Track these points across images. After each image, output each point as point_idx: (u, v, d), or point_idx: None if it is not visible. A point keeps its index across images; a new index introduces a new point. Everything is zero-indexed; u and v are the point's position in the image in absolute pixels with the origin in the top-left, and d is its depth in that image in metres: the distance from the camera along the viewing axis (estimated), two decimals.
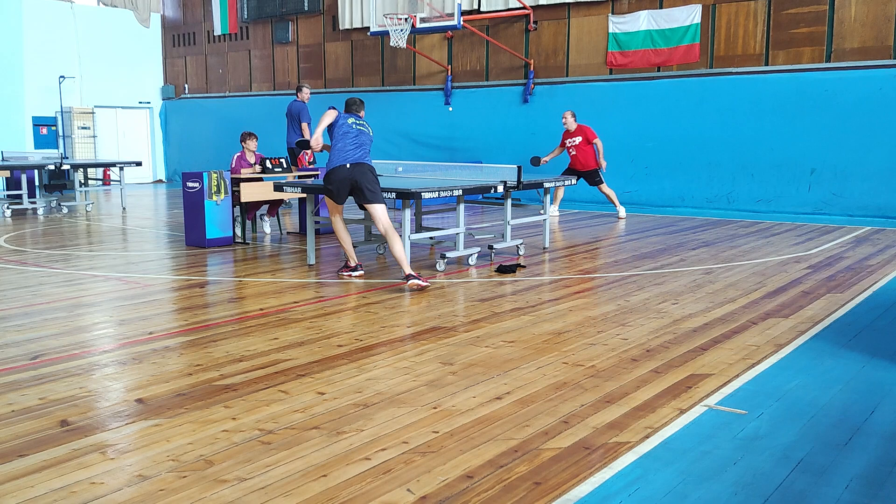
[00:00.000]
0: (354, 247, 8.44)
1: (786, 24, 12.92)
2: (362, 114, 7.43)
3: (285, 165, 10.12)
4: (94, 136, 20.74)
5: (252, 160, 10.06)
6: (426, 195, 6.88)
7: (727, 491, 2.85)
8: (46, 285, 6.87)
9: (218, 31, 21.08)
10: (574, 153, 12.15)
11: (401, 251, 6.66)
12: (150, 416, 3.62)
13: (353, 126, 7.07)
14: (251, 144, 10.07)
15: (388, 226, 6.78)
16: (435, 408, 3.72)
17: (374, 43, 17.78)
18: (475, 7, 15.90)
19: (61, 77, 19.78)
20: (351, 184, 6.83)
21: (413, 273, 6.59)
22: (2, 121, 19.11)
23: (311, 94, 12.72)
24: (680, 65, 13.97)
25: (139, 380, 4.18)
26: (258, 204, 9.86)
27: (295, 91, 12.50)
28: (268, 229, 10.51)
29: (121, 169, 14.38)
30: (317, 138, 7.11)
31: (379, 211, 6.81)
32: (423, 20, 14.53)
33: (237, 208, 9.58)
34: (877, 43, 12.18)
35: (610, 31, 14.58)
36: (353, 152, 6.88)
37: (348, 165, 6.81)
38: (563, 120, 12.21)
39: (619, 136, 14.52)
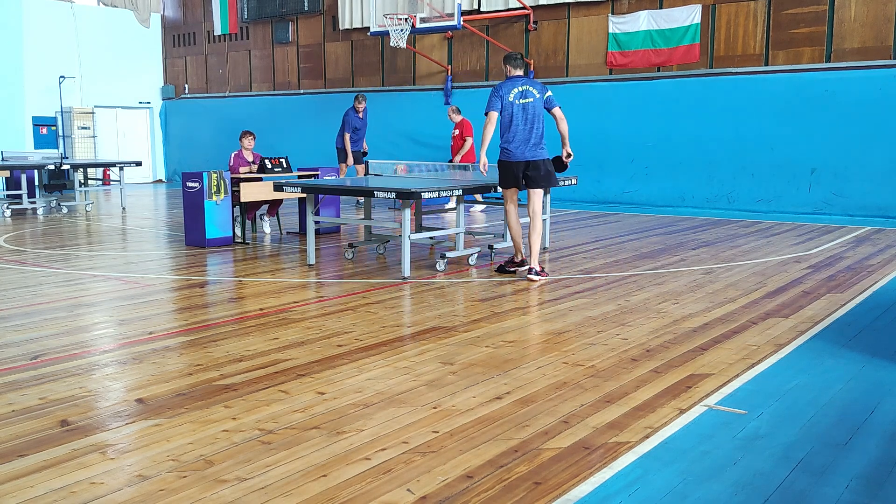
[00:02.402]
0: (353, 246, 8.47)
1: (786, 24, 12.92)
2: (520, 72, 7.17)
3: (285, 165, 10.13)
4: (94, 136, 20.74)
5: (250, 158, 10.10)
6: (426, 195, 6.88)
7: (727, 491, 2.85)
8: (46, 285, 6.87)
9: (218, 31, 21.08)
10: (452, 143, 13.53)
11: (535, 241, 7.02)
12: (150, 416, 3.62)
13: (518, 101, 7.01)
14: (247, 143, 10.11)
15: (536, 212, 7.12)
16: (435, 408, 3.72)
17: (374, 43, 17.78)
18: (475, 7, 15.89)
19: (61, 77, 19.78)
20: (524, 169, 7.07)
21: (536, 267, 6.94)
22: (2, 121, 19.11)
23: (319, 94, 13.25)
24: (680, 65, 13.97)
25: (139, 380, 4.18)
26: (258, 204, 9.86)
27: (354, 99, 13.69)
28: (268, 229, 10.51)
29: (121, 169, 14.38)
30: (483, 161, 7.24)
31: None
32: (423, 20, 14.53)
33: (237, 208, 9.58)
34: (877, 43, 12.18)
35: (610, 31, 14.58)
36: (524, 143, 7.03)
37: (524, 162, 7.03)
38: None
39: (619, 136, 14.53)
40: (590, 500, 2.79)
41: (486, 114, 6.98)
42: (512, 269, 7.33)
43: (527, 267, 7.11)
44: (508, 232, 7.40)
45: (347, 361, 4.50)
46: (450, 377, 4.20)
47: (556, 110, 7.09)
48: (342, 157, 13.54)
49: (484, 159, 7.17)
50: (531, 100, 6.96)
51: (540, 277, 6.94)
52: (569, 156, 7.36)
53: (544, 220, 9.02)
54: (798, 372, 4.32)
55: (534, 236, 7.00)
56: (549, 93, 7.10)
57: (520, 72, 7.11)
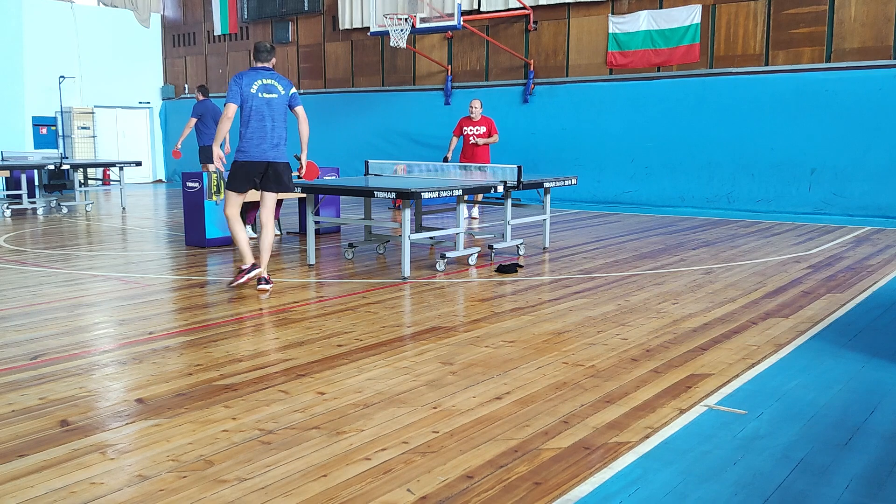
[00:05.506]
0: (353, 246, 8.47)
1: (786, 24, 12.93)
2: (273, 61, 6.59)
3: None
4: (94, 136, 20.74)
5: None
6: (426, 195, 6.88)
7: (727, 491, 2.85)
8: (46, 285, 6.87)
9: (218, 31, 21.08)
10: (474, 142, 11.75)
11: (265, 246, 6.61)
12: (150, 416, 3.62)
13: (261, 95, 6.36)
14: None
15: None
16: (435, 408, 3.72)
17: (374, 43, 17.79)
18: (475, 7, 15.90)
19: (61, 77, 19.78)
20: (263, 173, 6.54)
21: (265, 275, 6.51)
22: (2, 121, 19.12)
23: (319, 94, 12.88)
24: (680, 65, 13.97)
25: (139, 380, 4.18)
26: (258, 205, 9.83)
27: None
28: (275, 230, 10.38)
29: (120, 169, 14.38)
30: (217, 154, 6.57)
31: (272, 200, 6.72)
32: (423, 20, 14.53)
33: None
34: (877, 43, 12.18)
35: (610, 31, 14.58)
36: (264, 141, 6.42)
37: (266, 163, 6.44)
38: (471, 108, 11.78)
39: (618, 136, 14.53)
40: (590, 500, 2.79)
41: (225, 105, 6.33)
42: (243, 280, 6.54)
43: (258, 271, 6.53)
44: (237, 241, 6.59)
45: (347, 361, 4.50)
46: (450, 377, 4.20)
47: (300, 109, 6.58)
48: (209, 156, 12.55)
49: (218, 152, 6.55)
50: (275, 95, 6.41)
51: (269, 286, 6.48)
52: (300, 167, 6.96)
53: (544, 220, 9.03)
54: (798, 372, 4.32)
55: (266, 243, 6.57)
56: (294, 90, 6.59)
57: (267, 64, 6.53)
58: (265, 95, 6.38)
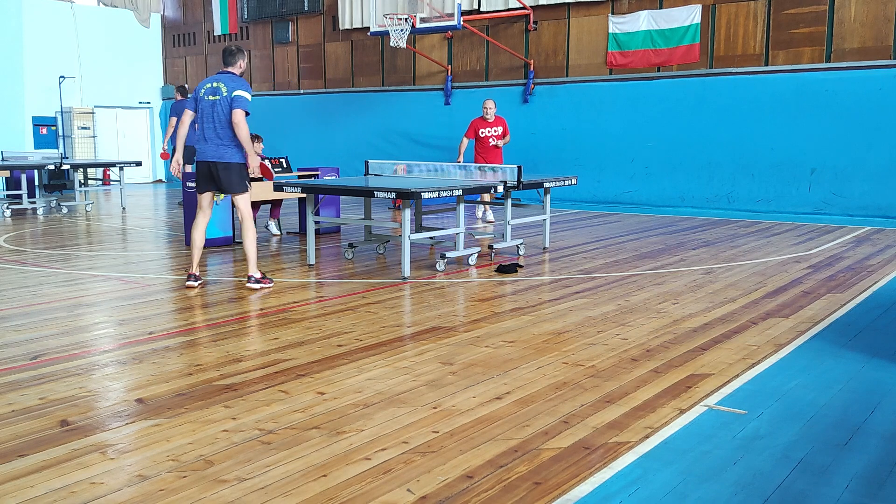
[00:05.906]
0: (353, 246, 8.47)
1: (786, 24, 12.92)
2: (239, 65, 6.85)
3: (285, 165, 10.14)
4: (94, 136, 20.74)
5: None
6: (426, 195, 6.88)
7: (727, 491, 2.85)
8: (46, 285, 6.87)
9: (218, 31, 21.07)
10: (494, 144, 11.45)
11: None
12: (150, 416, 3.62)
13: (207, 98, 6.61)
14: (256, 147, 10.14)
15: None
16: (435, 408, 3.72)
17: (374, 43, 17.78)
18: (475, 7, 15.89)
19: (61, 77, 19.77)
20: (211, 173, 6.68)
21: (256, 275, 6.68)
22: (2, 121, 19.11)
23: (319, 94, 12.92)
24: (680, 65, 13.97)
25: (139, 380, 4.18)
26: (258, 204, 9.85)
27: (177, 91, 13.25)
28: (275, 230, 10.39)
29: (120, 169, 14.38)
30: (175, 159, 6.87)
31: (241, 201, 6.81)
32: (423, 20, 14.53)
33: None
34: (877, 43, 12.18)
35: (610, 31, 14.58)
36: (208, 141, 6.61)
37: (208, 162, 6.61)
38: (486, 109, 11.44)
39: (618, 136, 14.53)
40: (590, 500, 2.79)
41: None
42: (187, 285, 6.76)
43: (200, 281, 6.83)
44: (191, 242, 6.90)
45: (347, 361, 4.50)
46: (450, 377, 4.20)
47: (235, 113, 6.44)
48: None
49: (177, 157, 6.84)
50: (218, 97, 6.54)
51: (261, 285, 6.66)
52: (246, 166, 6.76)
53: (544, 220, 9.03)
54: (798, 372, 4.32)
55: (246, 242, 6.71)
56: (240, 92, 6.51)
57: (230, 68, 6.77)
58: (210, 98, 6.59)
